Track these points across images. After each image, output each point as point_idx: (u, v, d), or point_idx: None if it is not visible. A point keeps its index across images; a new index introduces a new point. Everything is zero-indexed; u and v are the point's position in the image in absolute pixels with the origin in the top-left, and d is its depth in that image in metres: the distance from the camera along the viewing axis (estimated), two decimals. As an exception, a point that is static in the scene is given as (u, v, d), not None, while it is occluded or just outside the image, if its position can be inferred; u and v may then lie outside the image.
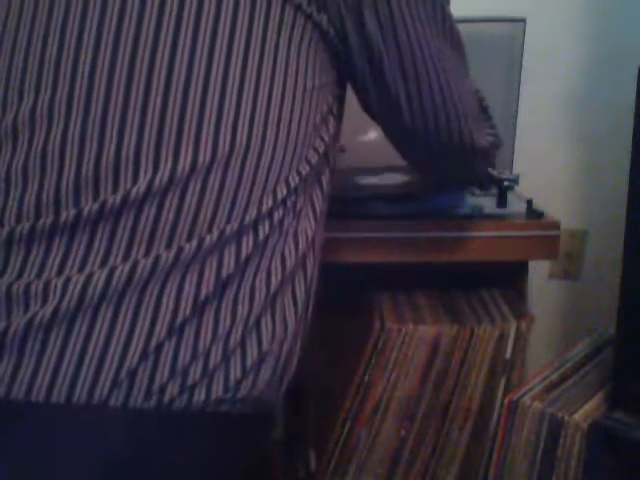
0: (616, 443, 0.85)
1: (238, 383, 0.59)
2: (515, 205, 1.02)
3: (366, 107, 0.74)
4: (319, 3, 0.63)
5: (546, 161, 1.31)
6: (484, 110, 0.82)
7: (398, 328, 0.97)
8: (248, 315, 0.60)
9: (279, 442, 1.15)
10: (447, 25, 0.70)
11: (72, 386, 0.54)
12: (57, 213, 0.56)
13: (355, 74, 0.69)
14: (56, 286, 0.55)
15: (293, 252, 0.64)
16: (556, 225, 0.98)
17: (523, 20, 1.14)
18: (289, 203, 0.63)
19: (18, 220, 0.57)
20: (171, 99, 0.57)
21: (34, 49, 0.60)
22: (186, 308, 0.57)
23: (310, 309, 0.71)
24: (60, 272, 0.56)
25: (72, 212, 0.56)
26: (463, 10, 1.16)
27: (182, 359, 0.56)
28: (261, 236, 0.60)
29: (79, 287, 0.55)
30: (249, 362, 0.59)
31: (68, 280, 0.55)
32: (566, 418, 0.87)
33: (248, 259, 0.60)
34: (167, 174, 0.56)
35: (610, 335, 1.03)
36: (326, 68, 0.66)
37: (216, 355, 0.58)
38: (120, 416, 0.55)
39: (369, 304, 1.05)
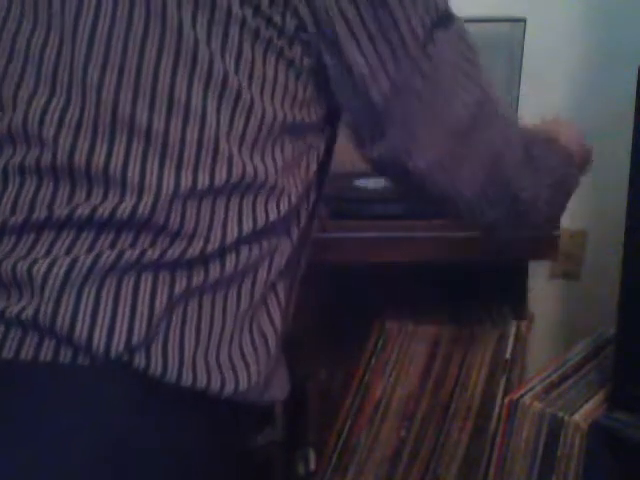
0: (616, 443, 0.85)
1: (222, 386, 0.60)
2: (515, 205, 1.02)
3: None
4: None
5: (546, 161, 1.31)
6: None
7: (398, 328, 0.97)
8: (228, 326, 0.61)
9: (279, 442, 1.15)
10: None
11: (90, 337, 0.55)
12: (51, 211, 0.58)
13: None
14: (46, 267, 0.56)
15: (269, 271, 0.65)
16: (556, 225, 0.98)
17: (523, 20, 1.14)
18: (267, 229, 0.63)
19: (12, 212, 0.59)
20: (154, 127, 0.59)
21: (47, 60, 0.61)
22: (161, 304, 0.57)
23: (288, 319, 0.72)
24: (48, 254, 0.57)
25: (65, 212, 0.57)
26: (463, 10, 1.16)
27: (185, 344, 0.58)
28: (243, 255, 0.62)
29: (63, 269, 0.56)
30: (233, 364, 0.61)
31: (54, 261, 0.56)
32: (566, 418, 0.87)
33: (222, 277, 0.61)
34: (151, 200, 0.58)
35: (610, 335, 1.03)
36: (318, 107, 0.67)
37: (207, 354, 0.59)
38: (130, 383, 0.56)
39: (369, 304, 1.05)
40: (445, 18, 0.67)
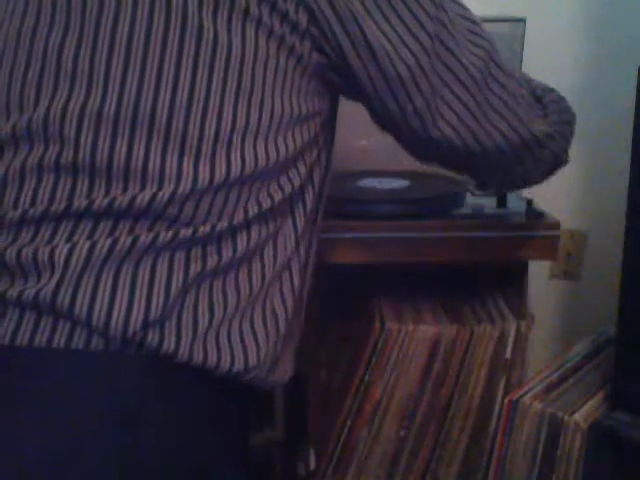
0: (616, 443, 0.85)
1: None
2: (515, 205, 1.02)
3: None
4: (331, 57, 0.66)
5: (546, 161, 1.31)
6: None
7: (398, 328, 0.97)
8: (237, 305, 0.63)
9: (279, 442, 1.15)
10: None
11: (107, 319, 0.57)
12: (70, 202, 0.59)
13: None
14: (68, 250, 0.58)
15: (276, 252, 0.67)
16: (556, 225, 0.98)
17: (523, 20, 1.14)
18: (269, 215, 0.65)
19: (32, 205, 0.60)
20: (174, 122, 0.60)
21: (50, 61, 0.62)
22: (177, 284, 0.59)
23: (302, 309, 0.74)
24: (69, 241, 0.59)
25: (84, 203, 0.59)
26: (463, 10, 1.16)
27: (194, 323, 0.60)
28: (253, 236, 0.64)
29: (84, 252, 0.58)
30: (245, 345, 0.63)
31: (74, 246, 0.58)
32: (566, 418, 0.87)
33: (234, 257, 0.63)
34: (169, 192, 0.59)
35: (610, 335, 1.03)
36: (316, 99, 0.69)
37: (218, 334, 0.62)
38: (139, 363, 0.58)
39: (369, 304, 1.05)
40: None
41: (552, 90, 0.82)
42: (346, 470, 1.01)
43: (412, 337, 0.97)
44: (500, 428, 0.92)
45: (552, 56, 1.28)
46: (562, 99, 0.82)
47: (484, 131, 0.72)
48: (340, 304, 1.08)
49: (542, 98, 0.79)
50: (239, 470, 0.67)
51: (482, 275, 1.08)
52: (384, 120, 0.72)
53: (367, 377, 0.98)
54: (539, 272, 1.34)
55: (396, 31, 0.65)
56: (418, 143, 0.74)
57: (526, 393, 0.92)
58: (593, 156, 1.30)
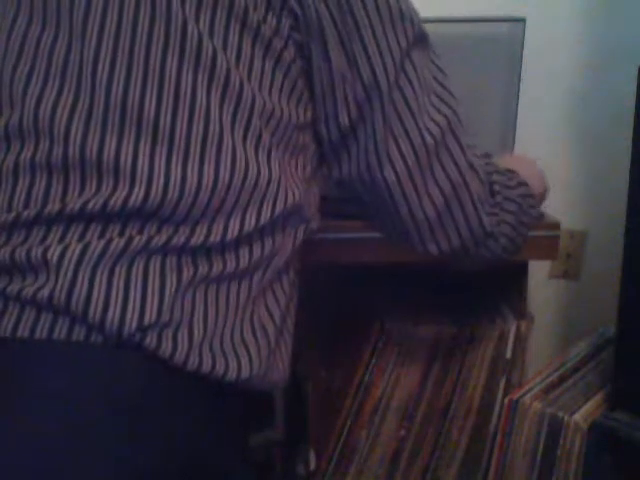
0: (616, 443, 0.85)
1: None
2: (515, 205, 1.02)
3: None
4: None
5: (546, 161, 1.31)
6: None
7: (398, 328, 0.97)
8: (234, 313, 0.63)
9: (279, 442, 1.15)
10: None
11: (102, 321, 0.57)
12: (63, 204, 0.59)
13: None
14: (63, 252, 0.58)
15: (268, 269, 0.67)
16: (556, 225, 0.98)
17: (523, 20, 1.14)
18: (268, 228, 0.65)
19: (25, 207, 0.60)
20: (162, 119, 0.60)
21: (56, 58, 0.63)
22: (171, 290, 0.59)
23: (291, 318, 0.74)
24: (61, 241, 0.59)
25: (77, 205, 0.59)
26: (463, 10, 1.16)
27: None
28: (247, 253, 0.64)
29: (77, 253, 0.58)
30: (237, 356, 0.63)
31: (66, 248, 0.58)
32: (566, 418, 0.87)
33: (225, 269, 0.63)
34: (160, 193, 0.59)
35: (610, 335, 1.03)
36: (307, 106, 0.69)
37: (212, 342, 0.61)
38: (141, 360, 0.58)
39: (369, 304, 1.05)
40: (421, 38, 0.69)
41: (518, 185, 0.79)
42: (346, 470, 1.01)
43: (412, 337, 0.97)
44: (500, 428, 0.92)
45: (552, 56, 1.28)
46: (525, 196, 0.80)
47: (418, 200, 0.70)
48: (340, 304, 1.08)
49: (497, 194, 0.76)
50: (239, 470, 0.67)
51: (482, 275, 1.08)
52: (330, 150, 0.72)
53: (367, 377, 0.98)
54: (539, 272, 1.34)
55: (356, 61, 0.66)
56: (356, 182, 0.73)
57: (526, 393, 0.92)
58: (593, 156, 1.30)
